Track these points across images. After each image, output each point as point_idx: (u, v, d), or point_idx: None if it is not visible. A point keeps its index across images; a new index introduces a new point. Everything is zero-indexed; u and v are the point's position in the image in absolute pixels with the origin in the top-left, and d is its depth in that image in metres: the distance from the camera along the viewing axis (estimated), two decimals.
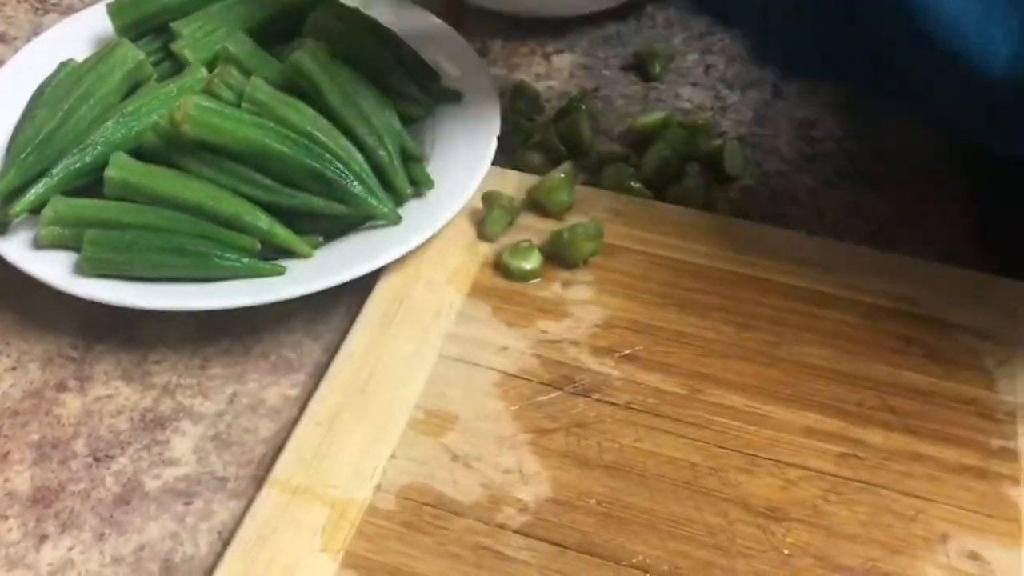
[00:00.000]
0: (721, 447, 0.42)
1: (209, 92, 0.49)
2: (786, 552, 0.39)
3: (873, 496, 0.41)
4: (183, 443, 0.44)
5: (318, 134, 0.47)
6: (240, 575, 0.38)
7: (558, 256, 0.49)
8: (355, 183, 0.47)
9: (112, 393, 0.46)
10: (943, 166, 0.57)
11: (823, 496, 0.41)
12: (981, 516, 0.40)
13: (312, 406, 0.43)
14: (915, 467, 0.42)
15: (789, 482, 0.41)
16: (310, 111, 0.48)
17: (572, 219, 0.50)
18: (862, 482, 0.41)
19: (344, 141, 0.48)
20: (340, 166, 0.47)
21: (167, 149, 0.47)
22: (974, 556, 0.39)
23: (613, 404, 0.44)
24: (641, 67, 0.62)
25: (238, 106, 0.48)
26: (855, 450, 0.42)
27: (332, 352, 0.46)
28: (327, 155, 0.47)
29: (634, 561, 0.39)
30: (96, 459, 0.43)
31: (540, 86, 0.61)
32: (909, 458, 0.42)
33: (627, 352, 0.45)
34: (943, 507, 0.40)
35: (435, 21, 0.58)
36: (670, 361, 0.45)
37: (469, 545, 0.39)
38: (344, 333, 0.46)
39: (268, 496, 0.40)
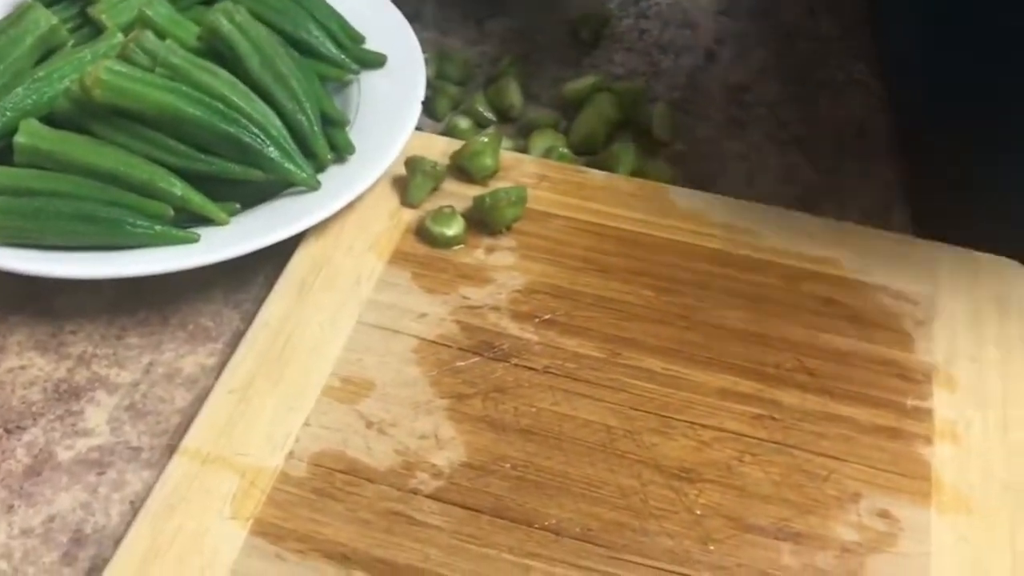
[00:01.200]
0: (637, 410, 0.42)
1: (124, 57, 0.48)
2: (698, 512, 0.39)
3: (787, 457, 0.41)
4: (97, 413, 0.43)
5: (234, 98, 0.47)
6: (148, 544, 0.37)
7: (481, 222, 0.48)
8: (272, 148, 0.46)
9: (25, 364, 0.45)
10: (873, 131, 0.57)
11: (737, 457, 0.41)
12: (893, 475, 0.40)
13: (225, 374, 0.43)
14: (830, 428, 0.42)
15: (703, 444, 0.41)
16: (226, 75, 0.47)
17: (497, 185, 0.50)
18: (776, 443, 0.41)
19: (262, 105, 0.47)
20: (257, 131, 0.46)
21: (79, 115, 0.46)
22: (884, 514, 0.39)
23: (532, 369, 0.43)
24: (575, 32, 0.61)
25: (153, 71, 0.47)
26: (771, 411, 0.42)
27: (251, 321, 0.45)
28: (243, 120, 0.46)
29: (546, 524, 0.39)
30: (7, 430, 0.43)
31: (472, 51, 0.60)
32: (824, 419, 0.42)
33: (547, 317, 0.45)
34: (856, 467, 0.41)
35: None
36: (590, 326, 0.45)
37: (380, 511, 0.39)
38: (263, 302, 0.46)
39: (178, 465, 0.40)
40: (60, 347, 0.46)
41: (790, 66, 0.60)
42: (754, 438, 0.41)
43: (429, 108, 0.56)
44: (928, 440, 0.41)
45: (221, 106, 0.46)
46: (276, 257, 0.47)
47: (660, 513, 0.39)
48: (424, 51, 0.55)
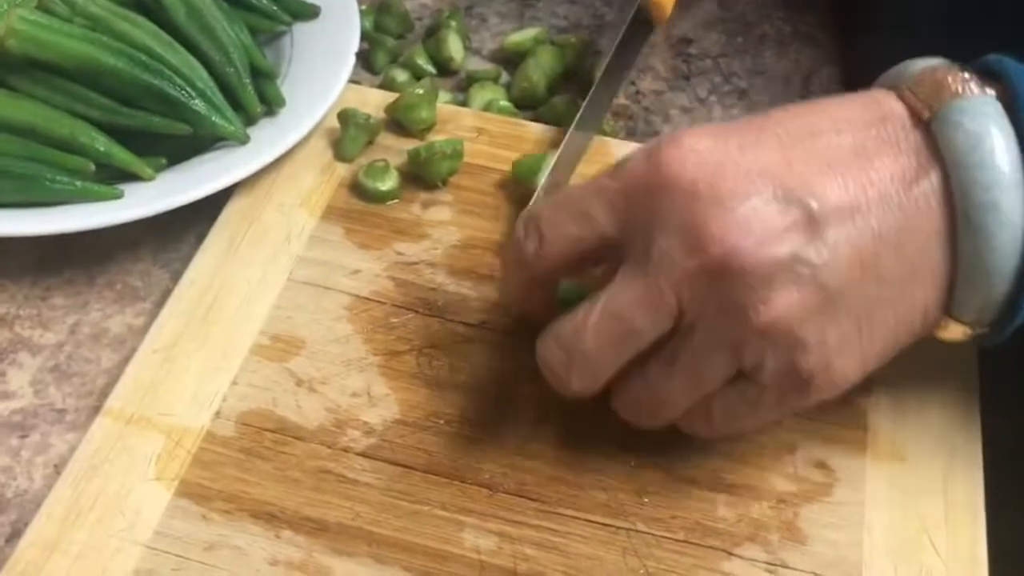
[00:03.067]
0: None
1: (41, 6, 0.46)
2: (633, 464, 0.39)
3: None
4: (20, 375, 0.42)
5: (157, 49, 0.45)
6: (69, 506, 0.36)
7: (416, 176, 0.47)
8: (198, 101, 0.45)
9: None
10: (818, 83, 0.56)
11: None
12: (830, 425, 0.40)
13: (150, 333, 0.41)
14: None
15: None
16: (150, 25, 0.46)
17: (433, 138, 0.49)
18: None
19: (187, 57, 0.46)
20: (182, 83, 0.45)
21: None
22: (821, 464, 0.39)
23: (467, 324, 0.43)
24: None
25: (72, 21, 0.45)
26: None
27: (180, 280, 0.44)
28: (167, 71, 0.45)
29: (481, 479, 0.38)
30: None
31: (412, 3, 0.58)
32: None
33: (484, 273, 0.44)
34: (792, 418, 0.40)
35: None
36: None
37: (310, 469, 0.38)
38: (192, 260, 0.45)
39: (101, 426, 0.39)
40: None
41: (735, 18, 0.59)
42: None
43: (367, 61, 0.54)
44: (866, 390, 0.41)
45: (144, 57, 0.45)
46: (207, 215, 0.45)
47: (596, 467, 0.39)
48: (361, 3, 0.53)
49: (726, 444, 0.39)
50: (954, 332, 0.36)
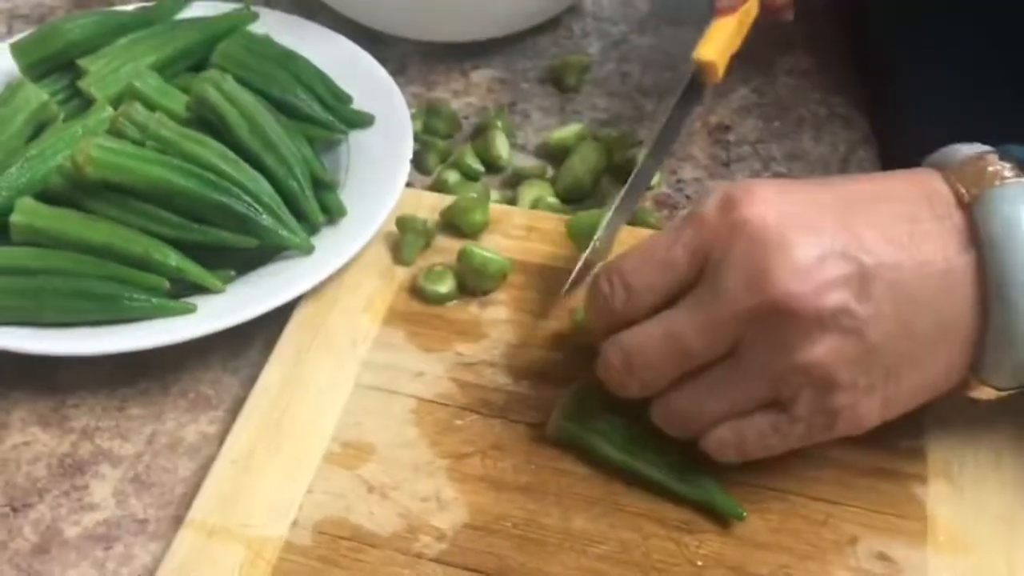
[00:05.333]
0: None
1: (114, 131, 0.48)
2: (699, 564, 0.40)
3: (784, 503, 0.41)
4: (102, 487, 0.44)
5: (225, 167, 0.47)
6: None
7: (463, 277, 0.49)
8: (265, 215, 0.47)
9: (29, 440, 0.46)
10: (855, 161, 0.58)
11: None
12: (889, 517, 0.41)
13: (227, 444, 0.43)
14: (825, 471, 0.42)
15: None
16: (216, 144, 0.48)
17: (488, 237, 0.50)
18: (773, 489, 0.42)
19: (252, 172, 0.48)
20: (248, 199, 0.47)
21: (73, 191, 0.47)
22: (882, 556, 0.40)
23: (529, 424, 0.44)
24: (558, 79, 0.62)
25: (144, 144, 0.48)
26: (766, 457, 0.43)
27: (250, 387, 0.46)
28: (235, 188, 0.47)
29: None
30: (13, 508, 0.43)
31: (458, 103, 0.61)
32: (819, 462, 0.42)
33: (541, 370, 0.46)
34: (852, 510, 0.41)
35: (348, 44, 0.58)
36: (585, 377, 0.45)
37: None
38: (262, 367, 0.46)
39: (184, 538, 0.40)
40: (63, 421, 0.46)
41: (771, 103, 0.61)
42: (750, 484, 0.42)
43: (418, 162, 0.56)
44: (922, 480, 0.42)
45: (212, 176, 0.47)
46: (274, 320, 0.47)
47: (662, 566, 0.39)
48: (410, 106, 0.56)
49: (789, 538, 0.40)
50: (985, 393, 0.39)
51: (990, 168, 0.38)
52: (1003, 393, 0.39)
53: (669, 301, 0.39)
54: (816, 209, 0.38)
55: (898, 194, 0.39)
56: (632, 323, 0.40)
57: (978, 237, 0.37)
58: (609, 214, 0.48)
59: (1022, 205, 0.37)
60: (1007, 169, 0.38)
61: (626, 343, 0.40)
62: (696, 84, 0.52)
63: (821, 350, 0.37)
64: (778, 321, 0.36)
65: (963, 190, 0.38)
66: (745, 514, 0.41)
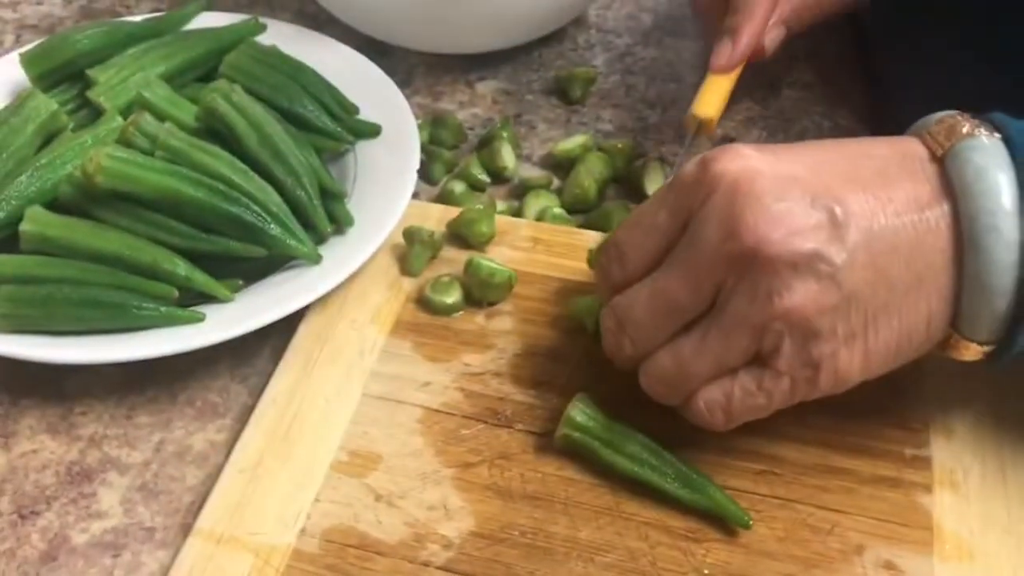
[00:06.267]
0: None
1: (124, 141, 0.49)
2: (706, 572, 0.40)
3: (790, 512, 0.41)
4: (110, 495, 0.44)
5: (234, 177, 0.48)
6: None
7: (470, 287, 0.49)
8: (273, 225, 0.48)
9: (37, 448, 0.46)
10: None
11: None
12: (895, 525, 0.41)
13: (235, 453, 0.43)
14: (831, 480, 0.42)
15: None
16: (225, 154, 0.48)
17: (493, 249, 0.51)
18: (779, 498, 0.42)
19: (261, 182, 0.48)
20: (257, 208, 0.47)
21: (83, 200, 0.47)
22: (889, 565, 0.40)
23: (535, 434, 0.44)
24: (563, 90, 0.62)
25: (153, 153, 0.48)
26: (772, 467, 0.43)
27: (258, 395, 0.46)
28: (243, 198, 0.47)
29: None
30: (21, 516, 0.43)
31: (464, 114, 0.61)
32: (825, 472, 0.43)
33: (547, 380, 0.46)
34: (858, 519, 0.41)
35: (354, 55, 0.58)
36: (590, 387, 0.45)
37: None
38: (270, 376, 0.47)
39: (192, 546, 0.40)
40: (71, 429, 0.46)
41: (775, 115, 0.61)
42: (757, 494, 0.42)
43: (424, 172, 0.57)
44: (928, 489, 0.42)
45: (221, 186, 0.47)
46: (281, 329, 0.48)
47: (669, 574, 0.40)
48: (417, 116, 0.56)
49: (796, 547, 0.40)
50: (969, 351, 0.40)
51: (964, 126, 0.39)
52: (986, 348, 0.39)
53: (661, 264, 0.40)
54: (791, 162, 0.39)
55: (874, 152, 0.40)
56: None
57: (951, 186, 0.38)
58: None
59: (993, 157, 0.38)
60: (980, 127, 0.39)
61: (616, 303, 0.41)
62: (697, 135, 0.55)
63: (798, 296, 0.37)
64: (754, 267, 0.37)
65: (936, 145, 0.39)
66: (751, 523, 0.41)
